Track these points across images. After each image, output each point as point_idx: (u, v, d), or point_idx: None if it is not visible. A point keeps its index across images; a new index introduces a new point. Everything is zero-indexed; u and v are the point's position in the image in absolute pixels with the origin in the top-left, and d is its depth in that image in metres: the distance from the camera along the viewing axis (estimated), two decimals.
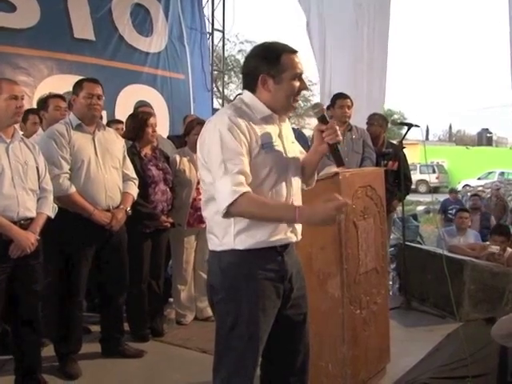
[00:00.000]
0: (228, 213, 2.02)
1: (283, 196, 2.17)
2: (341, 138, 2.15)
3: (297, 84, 2.14)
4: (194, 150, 4.46)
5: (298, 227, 2.26)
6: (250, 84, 2.18)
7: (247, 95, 2.19)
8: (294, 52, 2.16)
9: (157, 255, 4.29)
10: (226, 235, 2.13)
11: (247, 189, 2.02)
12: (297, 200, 2.26)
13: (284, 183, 2.17)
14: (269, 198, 2.12)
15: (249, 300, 2.12)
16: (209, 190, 2.16)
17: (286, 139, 2.23)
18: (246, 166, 2.04)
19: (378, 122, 5.61)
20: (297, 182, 2.27)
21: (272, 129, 2.17)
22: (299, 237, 2.27)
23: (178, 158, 4.52)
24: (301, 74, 2.16)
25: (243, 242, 2.11)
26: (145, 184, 4.02)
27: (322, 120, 2.16)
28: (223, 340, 2.17)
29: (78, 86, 3.61)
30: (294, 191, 2.23)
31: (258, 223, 2.10)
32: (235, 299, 2.13)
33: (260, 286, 2.13)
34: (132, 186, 3.81)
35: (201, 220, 4.42)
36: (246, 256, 2.11)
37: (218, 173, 2.03)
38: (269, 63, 2.11)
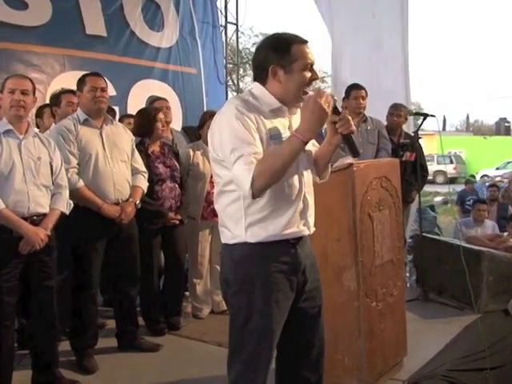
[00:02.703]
0: (254, 193, 1.97)
1: (296, 187, 2.15)
2: (354, 128, 2.12)
3: (308, 74, 2.11)
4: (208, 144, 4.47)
5: (311, 220, 2.24)
6: (260, 75, 2.16)
7: (256, 87, 2.17)
8: (305, 42, 2.13)
9: (174, 249, 4.30)
10: (237, 228, 2.12)
11: None
12: (310, 192, 2.24)
13: (296, 176, 2.15)
14: (283, 191, 2.10)
15: (262, 293, 2.11)
16: (220, 183, 2.16)
17: None
18: (259, 150, 2.01)
19: (405, 113, 5.55)
20: (309, 174, 2.25)
21: (281, 121, 2.15)
22: (312, 230, 2.25)
23: (191, 151, 4.51)
24: (312, 64, 2.13)
25: (255, 235, 2.10)
26: (151, 181, 4.01)
27: (334, 111, 2.13)
28: (237, 333, 2.17)
29: (81, 81, 3.65)
30: (306, 183, 2.21)
31: (269, 216, 2.09)
32: (248, 292, 2.12)
33: (273, 279, 2.12)
34: (141, 179, 3.82)
35: (215, 213, 4.36)
36: (259, 249, 2.10)
37: (231, 161, 2.01)
38: (279, 54, 2.08)
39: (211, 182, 4.43)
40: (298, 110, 2.15)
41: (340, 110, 2.14)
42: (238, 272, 2.14)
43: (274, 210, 2.09)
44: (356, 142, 2.19)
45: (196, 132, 4.79)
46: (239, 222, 2.11)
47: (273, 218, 2.09)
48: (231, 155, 2.00)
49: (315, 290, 2.29)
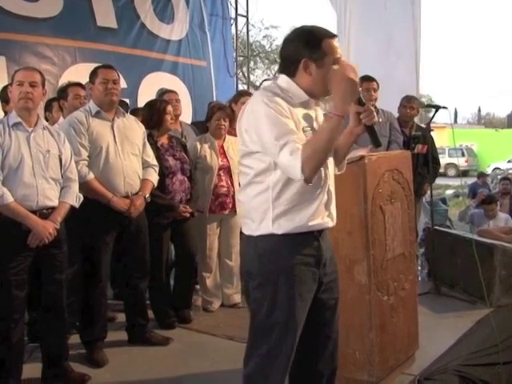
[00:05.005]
0: (306, 178, 1.99)
1: (322, 179, 2.16)
2: (377, 119, 2.16)
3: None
4: (216, 136, 4.47)
5: (334, 212, 2.25)
6: (288, 68, 2.18)
7: (284, 79, 2.18)
8: (334, 37, 2.17)
9: (185, 242, 4.29)
10: (264, 220, 2.12)
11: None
12: (332, 184, 2.26)
13: (321, 167, 2.14)
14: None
15: (286, 285, 2.11)
16: (250, 174, 2.15)
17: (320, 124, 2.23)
18: (300, 135, 2.04)
19: (417, 105, 5.51)
20: (332, 166, 2.28)
21: (309, 113, 2.18)
22: (335, 221, 2.26)
23: (198, 144, 4.48)
24: (340, 58, 2.15)
25: (282, 227, 2.10)
26: (162, 175, 3.99)
27: (359, 102, 2.15)
28: (259, 326, 2.17)
29: (93, 73, 3.64)
30: (330, 175, 2.23)
31: (296, 208, 2.10)
32: (272, 284, 2.12)
33: (297, 272, 2.12)
34: (152, 173, 3.81)
35: (223, 206, 4.41)
36: (284, 241, 2.11)
37: (275, 152, 2.02)
38: (310, 48, 2.11)
39: (219, 175, 4.43)
40: (322, 104, 2.16)
41: (364, 101, 2.15)
42: (262, 264, 2.14)
43: (300, 202, 2.10)
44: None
45: (204, 125, 4.77)
46: (266, 212, 2.11)
47: (299, 210, 2.10)
48: (274, 146, 2.01)
49: (333, 281, 2.30)
